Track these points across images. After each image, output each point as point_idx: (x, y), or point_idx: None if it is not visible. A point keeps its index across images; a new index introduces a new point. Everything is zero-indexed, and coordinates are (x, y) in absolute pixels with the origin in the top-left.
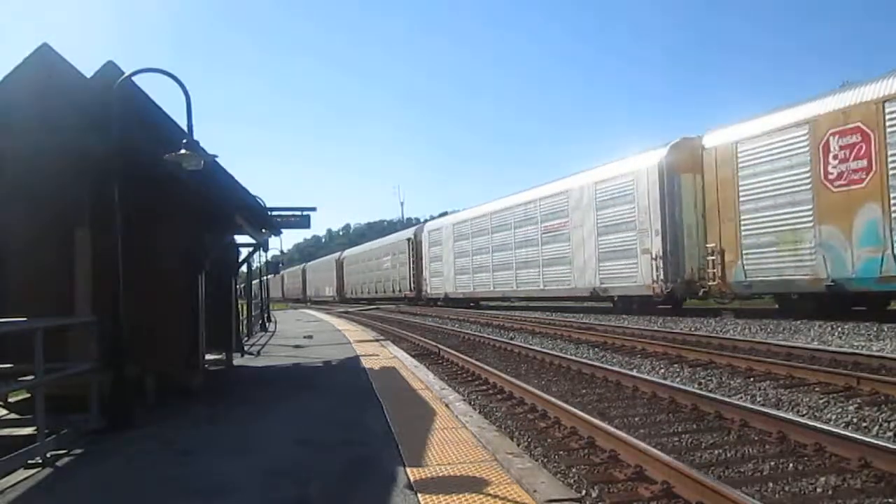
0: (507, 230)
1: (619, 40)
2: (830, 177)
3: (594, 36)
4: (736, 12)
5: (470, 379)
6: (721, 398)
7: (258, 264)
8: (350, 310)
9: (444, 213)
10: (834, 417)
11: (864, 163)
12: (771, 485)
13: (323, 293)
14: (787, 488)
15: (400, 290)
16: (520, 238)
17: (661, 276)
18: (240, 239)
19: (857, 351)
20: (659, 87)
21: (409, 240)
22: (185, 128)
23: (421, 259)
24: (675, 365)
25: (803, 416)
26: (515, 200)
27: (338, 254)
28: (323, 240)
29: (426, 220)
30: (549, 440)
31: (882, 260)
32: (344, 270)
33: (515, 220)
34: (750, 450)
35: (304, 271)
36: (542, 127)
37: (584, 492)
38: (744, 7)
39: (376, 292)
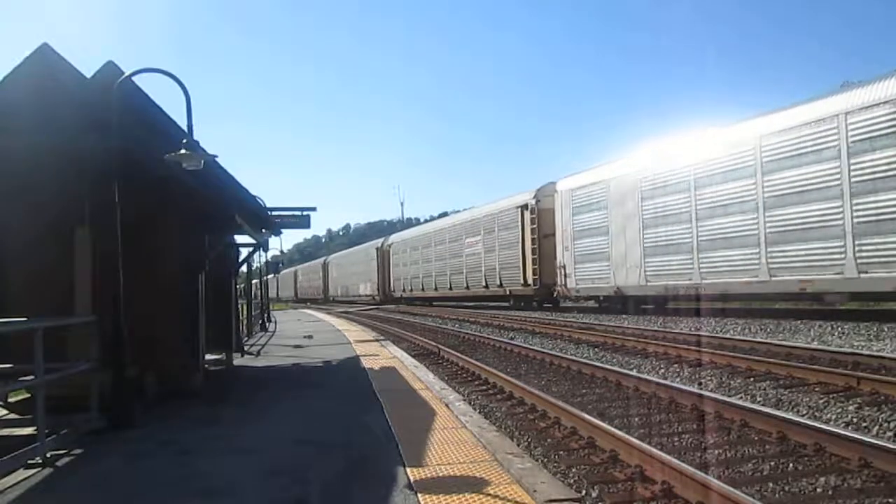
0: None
1: (618, 40)
2: None
3: (594, 37)
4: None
5: (470, 379)
6: (721, 398)
7: (258, 264)
8: (350, 310)
9: (444, 214)
10: (834, 417)
11: None
12: (771, 485)
13: (355, 292)
14: (787, 488)
15: (501, 285)
16: None
17: None
18: (240, 239)
19: (857, 351)
20: (656, 86)
21: (522, 208)
22: (185, 128)
23: (551, 235)
24: (675, 365)
25: (803, 416)
26: None
27: (378, 241)
28: (323, 240)
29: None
30: (549, 440)
31: None
32: (390, 261)
33: None
34: (750, 450)
35: (325, 266)
36: (542, 128)
37: (584, 492)
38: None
39: (451, 288)
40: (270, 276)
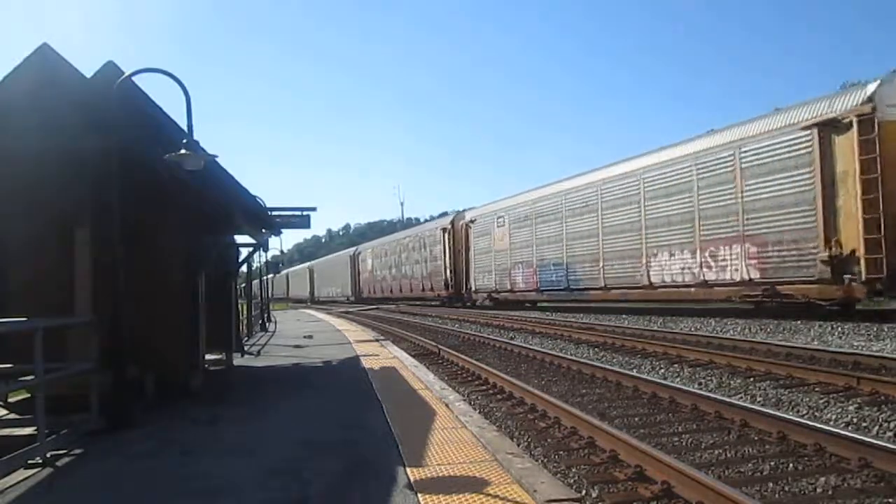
0: None
1: (619, 46)
2: None
3: (594, 41)
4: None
5: (470, 379)
6: (721, 398)
7: (258, 264)
8: (350, 310)
9: (444, 214)
10: (834, 417)
11: None
12: (771, 485)
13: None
14: (787, 488)
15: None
16: None
17: None
18: (240, 239)
19: (857, 351)
20: (654, 91)
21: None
22: (185, 128)
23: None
24: (675, 365)
25: (803, 416)
26: None
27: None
28: (323, 240)
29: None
30: (549, 440)
31: None
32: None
33: None
34: (750, 450)
35: (453, 233)
36: (542, 129)
37: (584, 492)
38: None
39: None
40: (300, 267)
